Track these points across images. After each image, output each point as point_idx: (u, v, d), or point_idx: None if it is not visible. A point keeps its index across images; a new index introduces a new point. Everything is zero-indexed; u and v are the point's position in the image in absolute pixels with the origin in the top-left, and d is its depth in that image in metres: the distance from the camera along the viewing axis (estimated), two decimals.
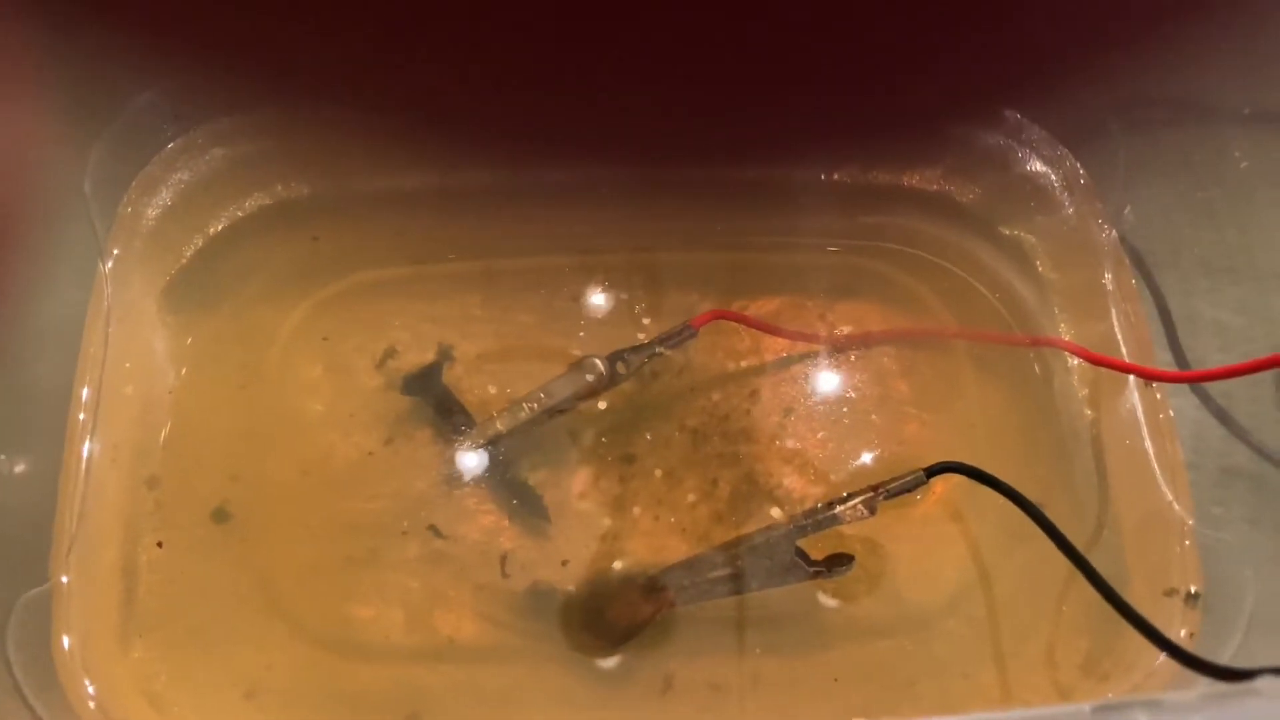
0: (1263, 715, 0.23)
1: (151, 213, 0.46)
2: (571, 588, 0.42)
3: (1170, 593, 0.41)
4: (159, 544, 0.41)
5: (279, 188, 0.48)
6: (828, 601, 0.42)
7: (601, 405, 0.45)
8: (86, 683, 0.38)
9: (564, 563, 0.42)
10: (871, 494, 0.40)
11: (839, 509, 0.40)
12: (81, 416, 0.42)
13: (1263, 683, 0.25)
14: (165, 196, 0.46)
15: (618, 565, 0.42)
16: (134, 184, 0.46)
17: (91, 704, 0.37)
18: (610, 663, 0.41)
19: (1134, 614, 0.35)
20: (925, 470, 0.40)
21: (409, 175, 0.48)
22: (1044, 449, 0.46)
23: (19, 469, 0.39)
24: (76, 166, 0.43)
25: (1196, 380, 0.42)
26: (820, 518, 0.40)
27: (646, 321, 0.46)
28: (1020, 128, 0.49)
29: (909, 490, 0.40)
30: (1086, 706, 0.25)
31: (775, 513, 0.44)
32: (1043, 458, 0.46)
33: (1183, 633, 0.39)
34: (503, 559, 0.42)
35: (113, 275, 0.44)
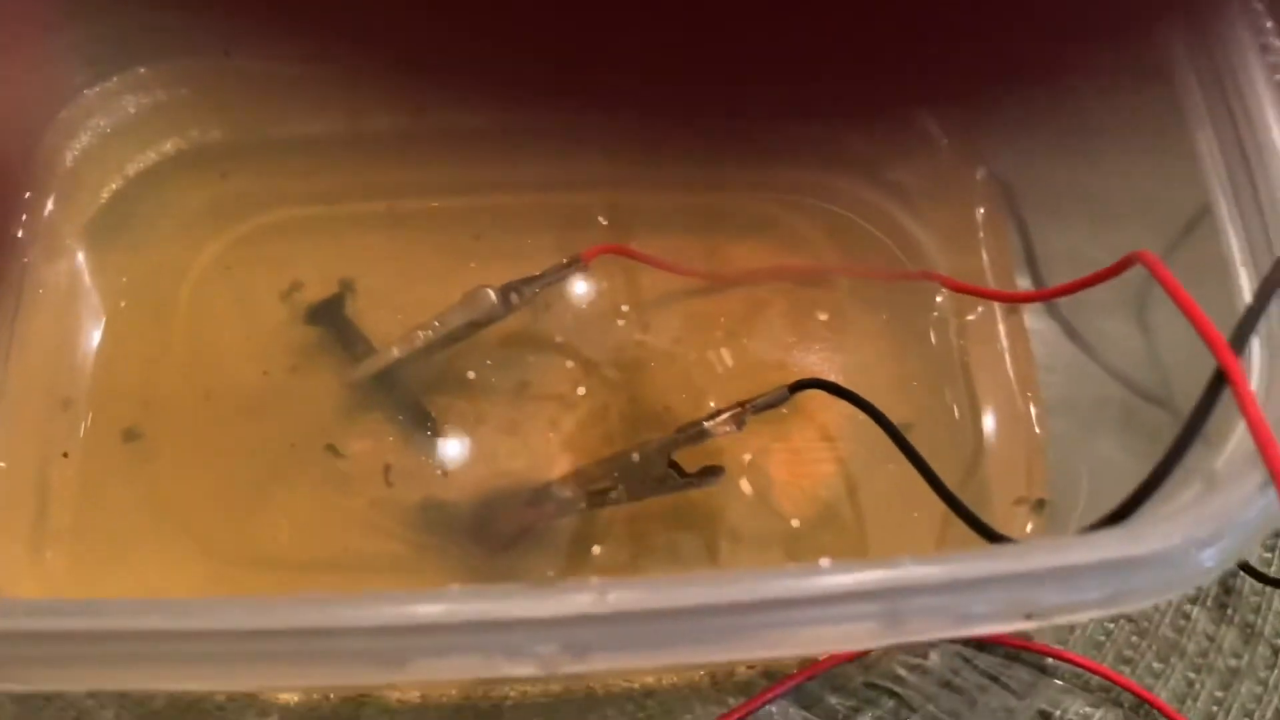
0: (1009, 555, 0.26)
1: (69, 156, 0.48)
2: (459, 500, 0.44)
3: (1019, 501, 0.43)
4: (64, 454, 0.43)
5: (194, 132, 0.50)
6: (689, 531, 0.45)
7: (496, 335, 0.47)
8: None
9: (443, 473, 0.44)
10: (739, 409, 0.42)
11: (708, 424, 0.42)
12: None
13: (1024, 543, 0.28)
14: (83, 139, 0.49)
15: (508, 483, 0.45)
16: (50, 129, 0.48)
17: None
18: (497, 572, 0.43)
19: (946, 489, 0.37)
20: (789, 386, 0.42)
21: (319, 121, 0.50)
22: (919, 377, 0.48)
23: None
24: None
25: (1046, 297, 0.45)
26: (691, 432, 0.42)
27: (540, 257, 0.49)
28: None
29: (774, 405, 0.42)
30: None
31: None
32: (918, 385, 0.48)
33: (1028, 526, 0.42)
34: (386, 469, 0.44)
35: (27, 212, 0.46)
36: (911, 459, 0.39)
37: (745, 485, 0.46)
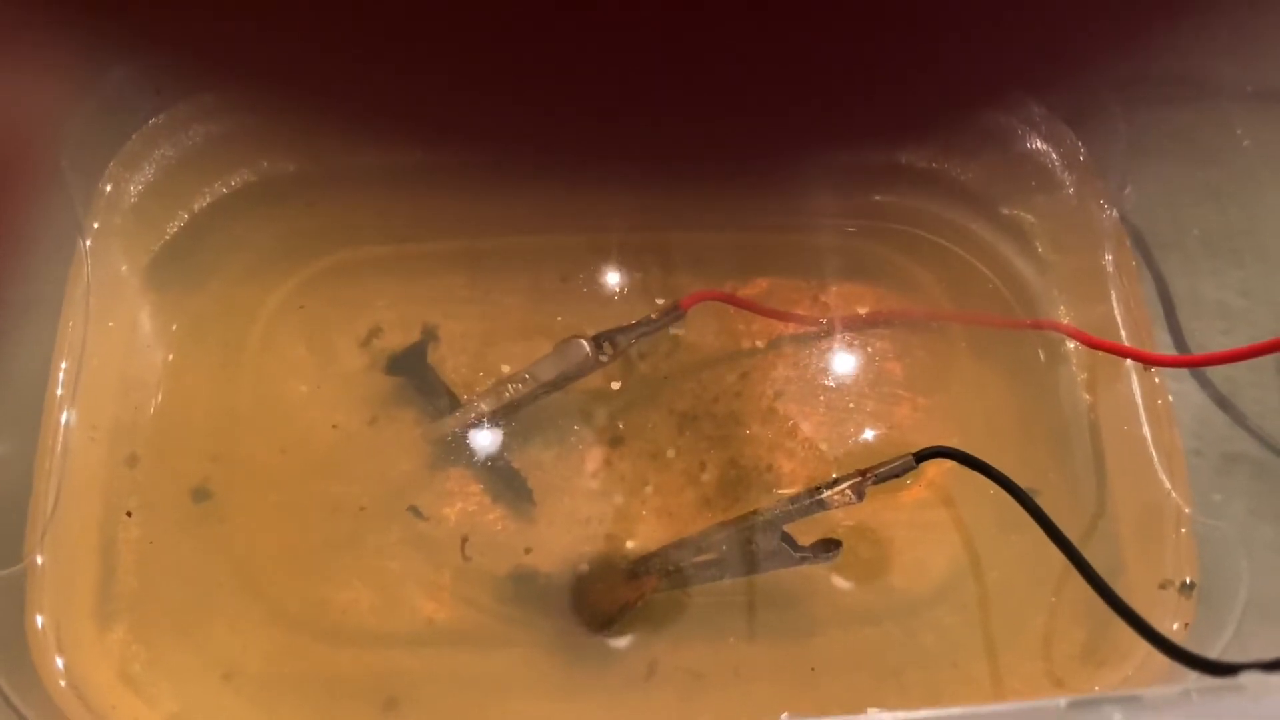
0: (1243, 713, 0.22)
1: (133, 189, 0.45)
2: (554, 572, 0.41)
3: (1165, 584, 0.40)
4: (128, 513, 0.40)
5: (264, 164, 0.47)
6: (800, 605, 0.41)
7: (588, 387, 0.44)
8: (59, 663, 0.38)
9: (526, 550, 0.41)
10: (860, 479, 0.39)
11: (826, 494, 0.39)
12: (60, 394, 0.41)
13: (1247, 678, 0.24)
14: (148, 172, 0.46)
15: (602, 549, 0.42)
16: (115, 160, 0.45)
17: (63, 682, 0.37)
18: (593, 648, 0.40)
19: (1124, 606, 0.34)
20: (914, 455, 0.39)
21: (393, 152, 0.47)
22: (1040, 434, 0.45)
23: None
24: (51, 140, 0.42)
25: (1194, 365, 0.41)
26: (807, 503, 0.39)
27: (633, 302, 0.45)
28: (1020, 104, 0.48)
29: (898, 475, 0.39)
30: (1061, 701, 0.24)
31: (765, 497, 0.43)
32: (1039, 443, 0.45)
33: (1176, 625, 0.38)
34: (463, 541, 0.41)
35: (93, 252, 0.44)
36: (1066, 552, 0.36)
37: (855, 552, 0.42)
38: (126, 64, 0.44)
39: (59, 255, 0.43)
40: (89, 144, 0.44)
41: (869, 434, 0.44)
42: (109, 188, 0.45)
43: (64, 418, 0.41)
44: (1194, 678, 0.31)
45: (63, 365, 0.42)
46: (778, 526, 0.39)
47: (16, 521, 0.39)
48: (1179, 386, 0.43)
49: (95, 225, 0.44)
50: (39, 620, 0.38)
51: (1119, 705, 0.22)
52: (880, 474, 0.39)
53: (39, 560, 0.39)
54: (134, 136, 0.45)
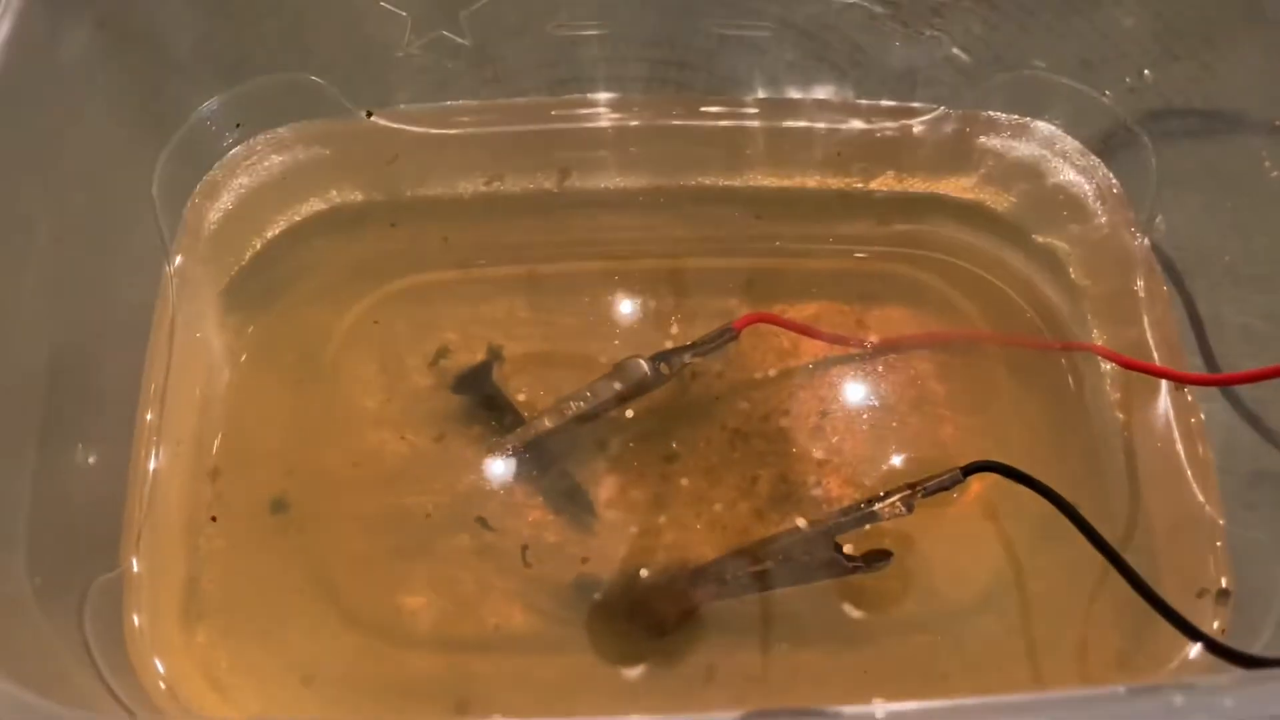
0: None
1: (213, 216, 0.48)
2: (615, 581, 0.43)
3: (1202, 594, 0.42)
4: (213, 518, 0.43)
5: (333, 193, 0.50)
6: (852, 612, 0.43)
7: (643, 406, 0.46)
8: (157, 664, 0.40)
9: (584, 560, 0.43)
10: (909, 492, 0.41)
11: (877, 506, 0.41)
12: (149, 411, 0.44)
13: None
14: (226, 201, 0.48)
15: (660, 559, 0.44)
16: (198, 189, 0.48)
17: (162, 684, 0.39)
18: (653, 654, 0.42)
19: (1165, 605, 0.36)
20: (962, 469, 0.41)
21: (460, 184, 0.50)
22: (1076, 451, 0.47)
23: (91, 460, 0.41)
24: (144, 172, 0.45)
25: (1225, 383, 0.43)
26: (858, 515, 0.41)
27: (681, 326, 0.48)
28: (1053, 139, 0.50)
29: (946, 489, 0.41)
30: (1121, 688, 0.26)
31: (815, 510, 0.45)
32: (1075, 460, 0.47)
33: (1215, 624, 0.40)
34: (523, 549, 0.43)
35: (177, 276, 0.46)
36: (1109, 556, 0.38)
37: (903, 563, 0.44)
38: (211, 99, 0.47)
39: (147, 280, 0.45)
40: (176, 175, 0.46)
41: (912, 451, 0.46)
42: (192, 216, 0.47)
43: (153, 434, 0.43)
44: (1235, 676, 0.33)
45: (151, 386, 0.44)
46: (830, 538, 0.41)
47: (113, 529, 0.41)
48: (1209, 406, 0.45)
49: (179, 252, 0.47)
50: (136, 621, 0.40)
51: (1179, 690, 0.24)
52: (929, 487, 0.41)
53: (134, 567, 0.41)
54: (215, 167, 0.48)
